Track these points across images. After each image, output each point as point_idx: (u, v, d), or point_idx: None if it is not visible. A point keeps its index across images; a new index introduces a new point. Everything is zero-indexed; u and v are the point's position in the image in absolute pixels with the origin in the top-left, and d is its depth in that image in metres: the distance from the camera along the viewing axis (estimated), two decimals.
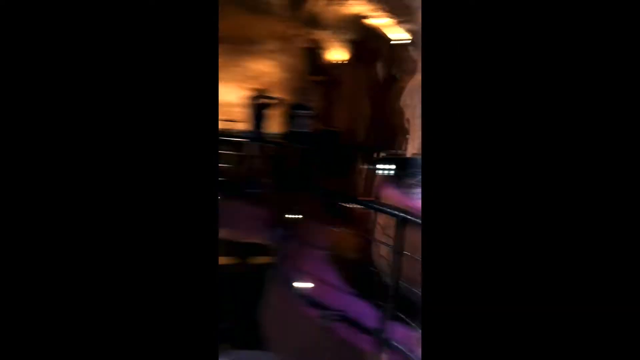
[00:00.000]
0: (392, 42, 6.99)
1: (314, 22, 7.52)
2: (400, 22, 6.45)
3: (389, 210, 2.90)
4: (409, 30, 6.49)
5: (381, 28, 6.89)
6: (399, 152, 6.04)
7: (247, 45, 8.63)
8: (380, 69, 8.31)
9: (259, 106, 6.42)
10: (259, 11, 7.53)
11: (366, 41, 7.73)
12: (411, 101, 6.62)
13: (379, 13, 6.60)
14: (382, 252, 3.32)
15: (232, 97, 8.81)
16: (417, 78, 6.60)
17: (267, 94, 6.58)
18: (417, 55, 6.73)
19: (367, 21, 6.93)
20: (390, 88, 7.65)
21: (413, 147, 6.57)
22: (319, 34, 7.93)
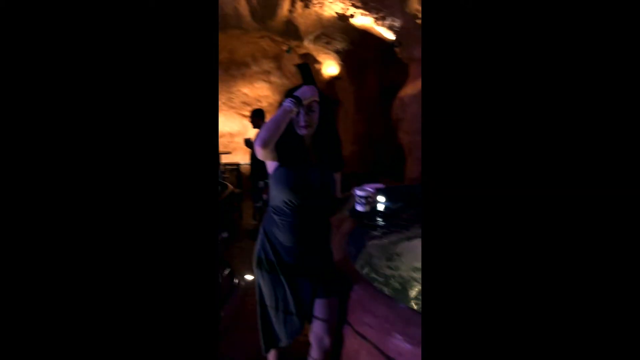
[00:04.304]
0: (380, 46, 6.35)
1: (295, 30, 6.68)
2: (381, 19, 5.79)
3: None
4: (391, 28, 5.88)
5: (367, 28, 6.16)
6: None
7: (234, 70, 8.14)
8: (371, 80, 7.74)
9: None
10: (229, 27, 6.55)
11: (356, 48, 7.10)
12: (403, 114, 6.07)
13: (361, 10, 5.81)
14: None
15: (226, 126, 8.32)
16: (408, 88, 6.00)
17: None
18: (405, 57, 6.07)
19: (353, 22, 6.13)
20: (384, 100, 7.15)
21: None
22: (307, 47, 7.26)
